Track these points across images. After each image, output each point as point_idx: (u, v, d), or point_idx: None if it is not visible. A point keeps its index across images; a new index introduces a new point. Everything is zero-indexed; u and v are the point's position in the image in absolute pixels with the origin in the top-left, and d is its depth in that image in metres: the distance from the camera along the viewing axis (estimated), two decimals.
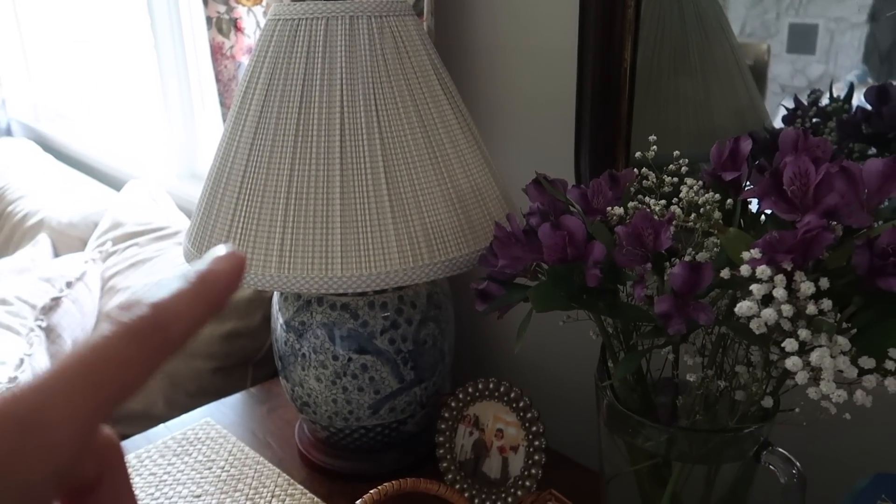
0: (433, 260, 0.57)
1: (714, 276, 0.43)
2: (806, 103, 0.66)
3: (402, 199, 0.57)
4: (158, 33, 1.60)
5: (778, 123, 0.67)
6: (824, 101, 0.63)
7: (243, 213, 0.58)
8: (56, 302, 1.04)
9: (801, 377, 0.38)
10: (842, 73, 0.57)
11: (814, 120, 0.65)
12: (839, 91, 0.61)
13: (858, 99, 0.60)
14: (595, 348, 0.58)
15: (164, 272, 1.12)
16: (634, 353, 0.48)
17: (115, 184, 1.89)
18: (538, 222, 0.51)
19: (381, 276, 0.56)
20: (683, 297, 0.43)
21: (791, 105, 0.67)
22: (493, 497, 0.67)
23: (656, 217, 0.47)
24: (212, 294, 0.16)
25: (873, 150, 0.63)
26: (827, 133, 0.64)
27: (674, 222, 0.51)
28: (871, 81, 0.56)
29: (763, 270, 0.39)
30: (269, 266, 0.56)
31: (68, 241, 1.51)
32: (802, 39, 0.59)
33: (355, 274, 0.55)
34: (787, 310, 0.38)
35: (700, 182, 0.54)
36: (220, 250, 0.18)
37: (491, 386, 0.69)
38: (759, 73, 0.66)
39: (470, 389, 0.70)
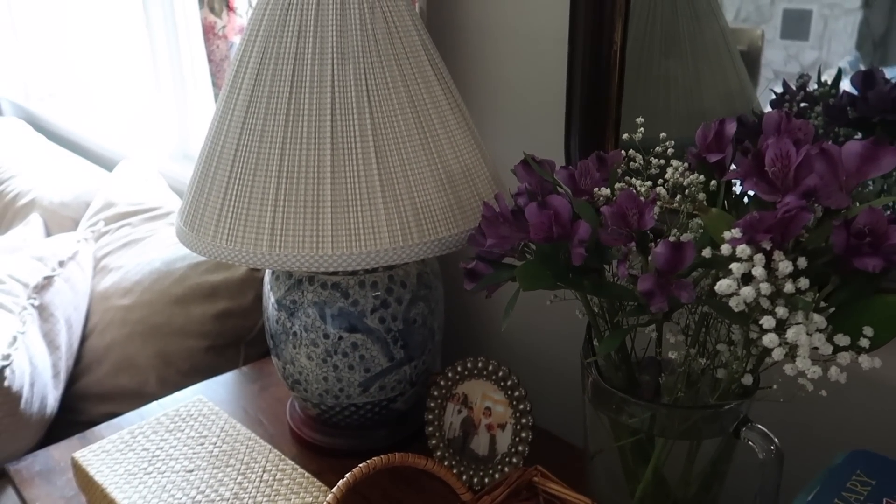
0: (423, 239, 0.58)
1: (696, 256, 0.44)
2: (794, 88, 0.66)
3: (392, 178, 0.58)
4: (150, 11, 1.59)
5: (767, 108, 0.68)
6: (812, 85, 0.64)
7: (235, 192, 0.59)
8: (48, 281, 1.04)
9: (778, 353, 0.39)
10: (835, 59, 0.57)
11: (801, 104, 0.66)
12: (830, 76, 0.61)
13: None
14: (582, 328, 0.59)
15: (156, 252, 1.13)
16: (618, 330, 0.49)
17: (107, 164, 1.89)
18: (526, 202, 0.52)
19: (371, 254, 0.57)
20: (666, 276, 0.44)
21: (780, 90, 0.68)
22: (481, 473, 0.68)
23: (641, 197, 0.48)
24: None
25: (859, 135, 0.63)
26: (814, 118, 0.65)
27: (658, 203, 0.52)
28: (862, 68, 0.57)
29: (743, 249, 0.40)
30: (260, 244, 0.57)
31: (60, 220, 1.51)
32: (796, 25, 0.59)
33: (345, 253, 0.56)
34: (766, 288, 0.39)
35: (686, 164, 0.55)
36: None
37: (479, 365, 0.70)
38: (753, 58, 0.67)
39: (459, 368, 0.71)
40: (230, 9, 1.19)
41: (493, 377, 0.69)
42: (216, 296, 1.03)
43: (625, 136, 0.58)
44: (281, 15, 0.59)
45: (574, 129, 0.80)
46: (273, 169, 0.57)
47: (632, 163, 0.59)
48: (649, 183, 0.53)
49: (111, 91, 2.05)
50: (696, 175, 0.51)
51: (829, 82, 0.63)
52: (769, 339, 0.39)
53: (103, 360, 1.04)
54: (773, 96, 0.68)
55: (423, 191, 0.59)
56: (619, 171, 0.58)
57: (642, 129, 0.58)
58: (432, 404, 0.72)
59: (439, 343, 0.75)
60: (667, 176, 0.52)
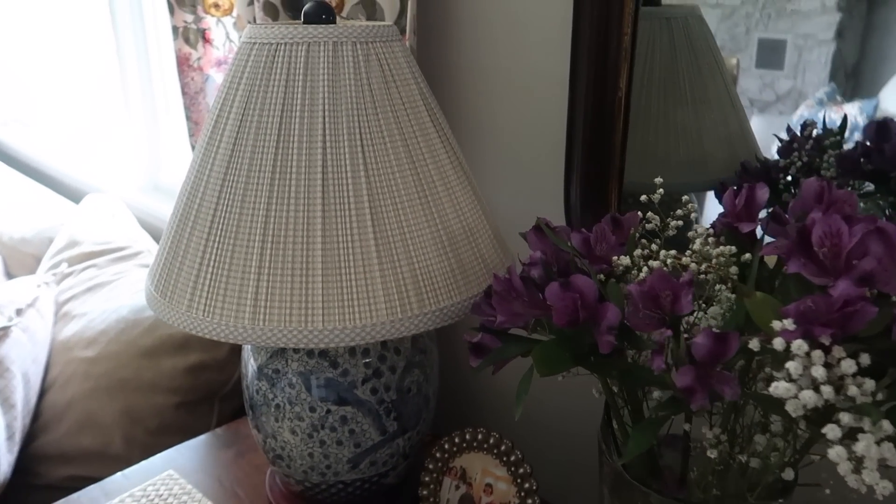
0: (423, 310, 0.53)
1: (741, 346, 0.39)
2: (799, 134, 0.64)
3: (389, 242, 0.52)
4: (121, 40, 1.53)
5: (767, 154, 0.65)
6: (818, 130, 0.61)
7: (213, 257, 0.53)
8: (5, 332, 0.96)
9: (845, 468, 0.34)
10: (809, 88, 0.57)
11: (809, 152, 0.63)
12: (809, 108, 0.59)
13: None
14: (591, 396, 0.54)
15: (123, 298, 1.05)
16: (647, 424, 0.44)
17: (73, 195, 1.80)
18: (541, 275, 0.47)
19: (366, 328, 0.51)
20: (706, 368, 0.39)
21: (784, 135, 0.65)
22: None
23: (671, 274, 0.43)
24: None
25: (870, 187, 0.60)
26: (825, 168, 0.62)
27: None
28: (839, 99, 0.56)
29: (799, 346, 0.35)
30: (241, 317, 0.51)
31: (20, 257, 1.42)
32: (771, 54, 0.59)
33: (338, 327, 0.50)
34: (829, 392, 0.34)
35: (710, 229, 0.51)
36: None
37: (479, 437, 0.64)
38: None
39: (457, 440, 0.65)
40: (206, 41, 1.14)
41: (495, 451, 0.64)
42: (188, 347, 0.96)
43: (643, 197, 0.54)
44: (267, 61, 0.53)
45: (574, 178, 0.76)
46: (257, 232, 0.52)
47: (647, 224, 0.54)
48: (673, 252, 0.49)
49: (79, 119, 1.97)
50: (726, 247, 0.46)
51: (836, 129, 0.61)
52: (836, 454, 0.34)
53: (64, 417, 0.96)
54: (778, 143, 0.65)
55: (423, 255, 0.53)
56: (636, 234, 0.53)
57: (661, 190, 0.53)
58: (427, 479, 0.66)
59: (433, 410, 0.69)
60: (694, 246, 0.47)
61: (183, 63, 1.16)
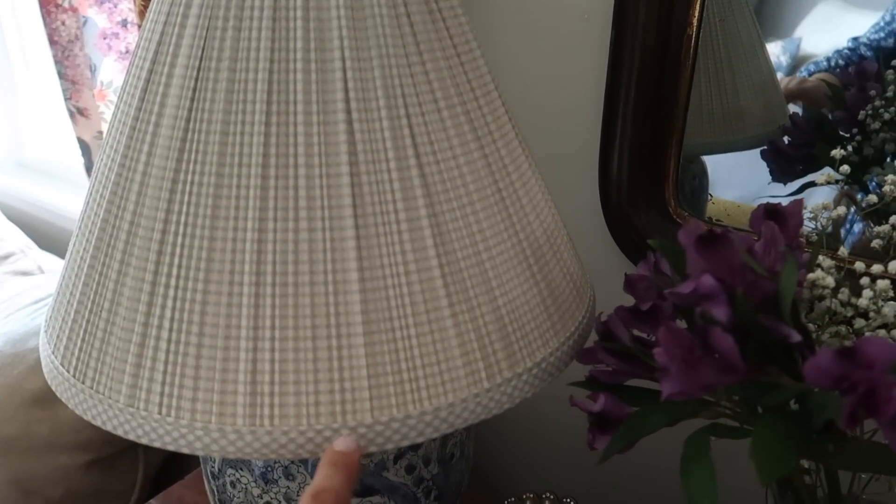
0: (515, 370, 0.34)
1: None
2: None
3: (460, 269, 0.33)
4: None
5: None
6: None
7: (168, 317, 0.31)
8: None
9: None
10: None
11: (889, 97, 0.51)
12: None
13: None
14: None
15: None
16: None
17: None
18: (729, 317, 0.30)
19: (440, 413, 0.32)
20: None
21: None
22: None
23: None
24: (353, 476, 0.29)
25: None
26: None
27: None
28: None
29: None
30: (229, 414, 0.30)
31: None
32: None
33: (397, 416, 0.31)
34: None
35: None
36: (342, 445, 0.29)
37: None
38: None
39: None
40: None
41: None
42: None
43: (819, 177, 0.38)
44: None
45: (617, 144, 0.60)
46: (244, 268, 0.31)
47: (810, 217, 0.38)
48: None
49: None
50: None
51: None
52: None
53: None
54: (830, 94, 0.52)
55: (507, 282, 0.35)
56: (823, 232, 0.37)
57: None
58: None
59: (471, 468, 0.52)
60: None
61: (48, 2, 0.88)
